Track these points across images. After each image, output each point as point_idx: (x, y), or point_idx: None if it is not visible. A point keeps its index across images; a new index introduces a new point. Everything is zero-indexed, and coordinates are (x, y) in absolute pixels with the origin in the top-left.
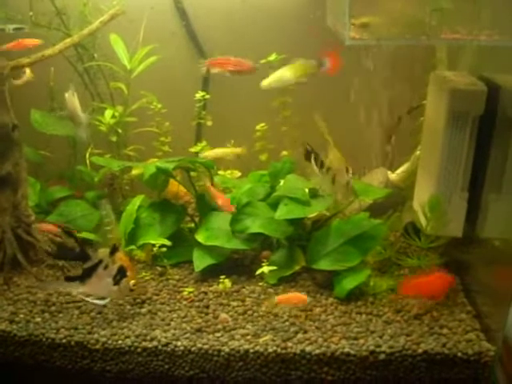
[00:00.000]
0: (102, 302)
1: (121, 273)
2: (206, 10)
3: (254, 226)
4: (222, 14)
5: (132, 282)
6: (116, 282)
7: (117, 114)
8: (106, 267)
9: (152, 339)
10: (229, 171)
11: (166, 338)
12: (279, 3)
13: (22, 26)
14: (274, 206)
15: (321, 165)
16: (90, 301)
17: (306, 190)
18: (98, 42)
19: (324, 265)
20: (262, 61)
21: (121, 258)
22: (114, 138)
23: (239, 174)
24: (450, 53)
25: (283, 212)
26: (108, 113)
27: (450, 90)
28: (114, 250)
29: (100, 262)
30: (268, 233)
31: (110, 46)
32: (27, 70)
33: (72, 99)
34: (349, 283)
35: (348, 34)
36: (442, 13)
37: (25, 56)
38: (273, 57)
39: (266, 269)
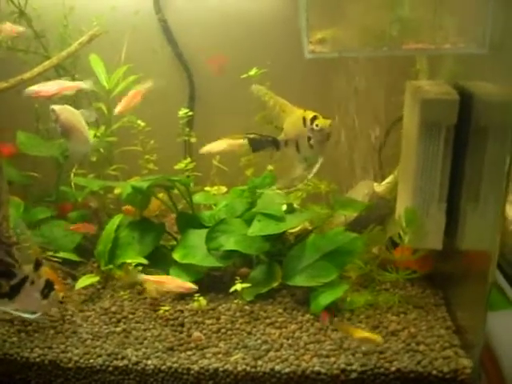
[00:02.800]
0: (32, 316)
1: (48, 286)
2: (190, 25)
3: (228, 243)
4: (206, 30)
5: (61, 294)
6: (45, 296)
7: (98, 133)
8: (32, 282)
9: (123, 358)
10: (215, 187)
11: (136, 356)
12: (265, 17)
13: None
14: (250, 223)
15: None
16: (22, 315)
17: (284, 206)
18: (80, 62)
19: (299, 281)
20: (243, 75)
21: (46, 271)
22: (93, 158)
23: (225, 189)
24: (431, 62)
25: (256, 229)
26: (90, 133)
27: (422, 99)
28: (37, 265)
29: (25, 278)
30: (243, 250)
31: (89, 66)
32: None
33: (70, 114)
34: (324, 299)
35: (307, 47)
36: (403, 23)
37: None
38: (253, 71)
39: (239, 286)
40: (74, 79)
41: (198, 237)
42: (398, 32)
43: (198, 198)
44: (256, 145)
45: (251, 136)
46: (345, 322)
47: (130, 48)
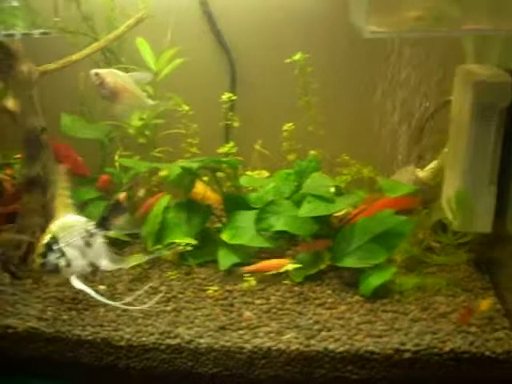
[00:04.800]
0: None
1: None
2: (232, 11)
3: (278, 224)
4: (247, 15)
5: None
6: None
7: (144, 116)
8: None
9: (175, 336)
10: (256, 172)
11: (189, 335)
12: (305, 3)
13: (49, 30)
14: (299, 204)
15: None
16: None
17: (332, 188)
18: (126, 45)
19: (349, 262)
20: (287, 60)
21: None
22: (142, 140)
23: (267, 174)
24: (478, 46)
25: (306, 210)
26: (136, 115)
27: (475, 82)
28: None
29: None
30: (292, 231)
31: (134, 50)
32: None
33: (116, 77)
34: (374, 281)
35: (367, 27)
36: (462, 3)
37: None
38: (298, 56)
39: (290, 267)
40: (120, 62)
41: (246, 218)
42: (458, 12)
43: (242, 181)
44: None
45: None
46: None
47: (173, 32)
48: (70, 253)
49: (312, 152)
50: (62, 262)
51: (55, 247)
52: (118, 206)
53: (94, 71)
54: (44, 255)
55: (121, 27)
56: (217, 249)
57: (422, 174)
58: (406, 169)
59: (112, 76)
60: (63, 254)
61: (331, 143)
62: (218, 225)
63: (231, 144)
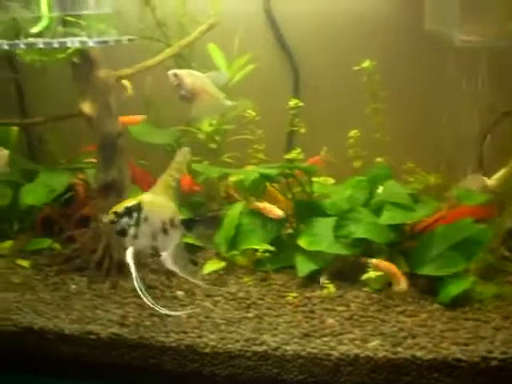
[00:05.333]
0: None
1: None
2: (297, 17)
3: (358, 231)
4: (310, 20)
5: None
6: None
7: (214, 122)
8: None
9: (261, 343)
10: (322, 178)
11: (275, 342)
12: (370, 9)
13: (134, 37)
14: (376, 212)
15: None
16: None
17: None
18: (195, 51)
19: (428, 270)
20: (356, 67)
21: None
22: (213, 145)
23: (332, 180)
24: None
25: (387, 217)
26: (206, 120)
27: None
28: None
29: None
30: (372, 238)
31: (204, 56)
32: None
33: (195, 77)
34: (454, 289)
35: (459, 36)
36: None
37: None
38: (366, 63)
39: (372, 274)
40: (190, 67)
41: (323, 224)
42: None
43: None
44: None
45: None
46: None
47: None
48: (144, 228)
49: (378, 159)
50: (131, 231)
51: (134, 215)
52: (212, 219)
53: (172, 72)
54: (121, 216)
55: (193, 33)
56: (292, 255)
57: (490, 182)
58: (473, 176)
59: (190, 77)
60: (137, 225)
61: (396, 150)
62: (289, 230)
63: (298, 150)
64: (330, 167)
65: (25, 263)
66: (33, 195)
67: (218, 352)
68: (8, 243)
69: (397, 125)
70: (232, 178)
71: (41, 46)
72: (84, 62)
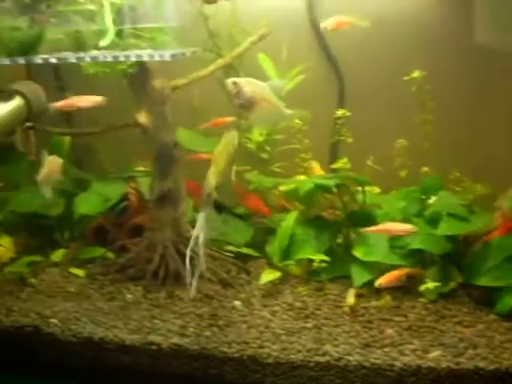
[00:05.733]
0: None
1: None
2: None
3: (414, 242)
4: (357, 30)
5: None
6: None
7: (264, 131)
8: None
9: (324, 354)
10: (368, 188)
11: (337, 352)
12: (417, 19)
13: (197, 49)
14: (430, 222)
15: None
16: None
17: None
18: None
19: (484, 281)
20: (405, 78)
21: None
22: (264, 156)
23: (378, 190)
24: None
25: (444, 228)
26: (256, 130)
27: None
28: None
29: None
30: (429, 249)
31: (251, 66)
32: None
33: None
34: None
35: None
36: None
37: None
38: (416, 74)
39: (430, 285)
40: (239, 77)
41: (378, 235)
42: None
43: (361, 196)
44: None
45: None
46: None
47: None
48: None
49: (425, 169)
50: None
51: None
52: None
53: (231, 80)
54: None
55: (244, 43)
56: (344, 264)
57: None
58: None
59: (250, 85)
60: None
61: (441, 160)
62: (339, 240)
63: (344, 160)
64: (375, 176)
65: (79, 272)
66: (87, 205)
67: (281, 362)
68: (60, 252)
69: (442, 134)
70: (282, 188)
71: (109, 59)
72: (140, 72)
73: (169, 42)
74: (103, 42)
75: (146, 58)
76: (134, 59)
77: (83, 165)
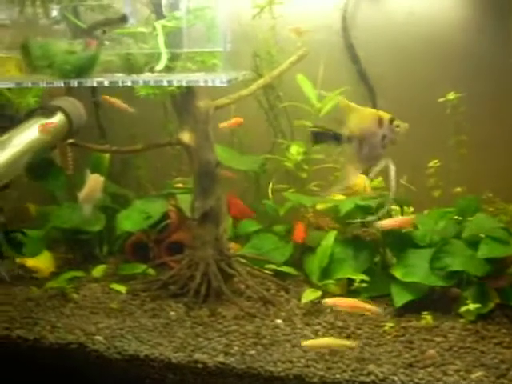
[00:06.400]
0: None
1: None
2: (376, 46)
3: (454, 264)
4: (392, 52)
5: None
6: None
7: (301, 150)
8: None
9: (369, 373)
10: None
11: (381, 372)
12: (454, 37)
13: (248, 72)
14: (470, 244)
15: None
16: None
17: None
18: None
19: None
20: (441, 99)
21: None
22: (303, 175)
23: (412, 209)
24: None
25: (485, 251)
26: (294, 149)
27: None
28: None
29: None
30: (469, 271)
31: (290, 86)
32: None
33: None
34: None
35: None
36: None
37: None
38: (451, 95)
39: (471, 306)
40: (278, 97)
41: (417, 256)
42: None
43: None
44: (317, 137)
45: (314, 129)
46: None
47: (315, 63)
48: None
49: (458, 189)
50: None
51: None
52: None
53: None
54: None
55: (284, 63)
56: (384, 284)
57: None
58: None
59: None
60: None
61: (472, 180)
62: (376, 258)
63: (379, 179)
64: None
65: (120, 288)
66: (129, 221)
67: (327, 382)
68: (101, 267)
69: (477, 155)
70: (319, 207)
71: (164, 83)
72: (187, 93)
73: (223, 66)
74: (159, 66)
75: (201, 83)
76: (188, 84)
77: (120, 180)
